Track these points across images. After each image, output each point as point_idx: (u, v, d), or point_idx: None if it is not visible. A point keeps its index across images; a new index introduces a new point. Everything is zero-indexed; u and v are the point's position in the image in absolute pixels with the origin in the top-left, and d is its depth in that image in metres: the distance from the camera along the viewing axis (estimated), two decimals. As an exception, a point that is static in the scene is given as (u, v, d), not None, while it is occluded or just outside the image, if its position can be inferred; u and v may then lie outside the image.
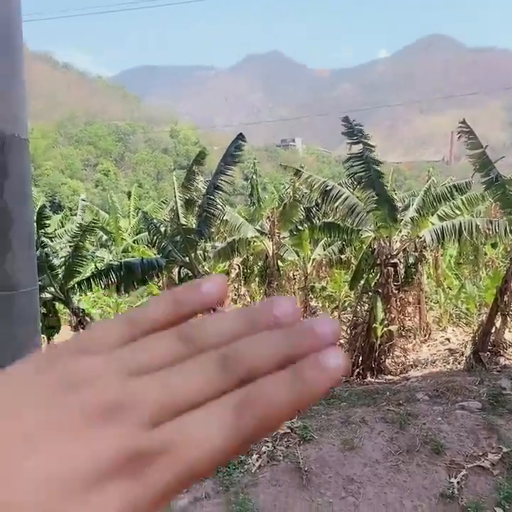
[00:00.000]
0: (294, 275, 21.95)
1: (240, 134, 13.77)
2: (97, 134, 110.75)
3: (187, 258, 13.87)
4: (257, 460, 6.88)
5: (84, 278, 14.07)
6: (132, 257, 18.25)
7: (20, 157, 7.36)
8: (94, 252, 22.00)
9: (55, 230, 22.05)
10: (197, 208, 14.07)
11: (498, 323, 13.17)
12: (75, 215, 18.94)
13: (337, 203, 13.86)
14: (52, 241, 14.36)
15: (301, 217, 16.14)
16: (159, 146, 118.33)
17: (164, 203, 24.38)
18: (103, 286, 13.83)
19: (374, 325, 13.97)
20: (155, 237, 14.13)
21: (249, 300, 21.43)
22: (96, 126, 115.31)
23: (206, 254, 17.47)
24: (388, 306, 14.17)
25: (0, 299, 6.89)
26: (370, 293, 14.69)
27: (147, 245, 20.32)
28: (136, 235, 24.35)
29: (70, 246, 14.28)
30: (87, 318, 14.44)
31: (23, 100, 7.42)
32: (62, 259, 14.27)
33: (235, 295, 21.15)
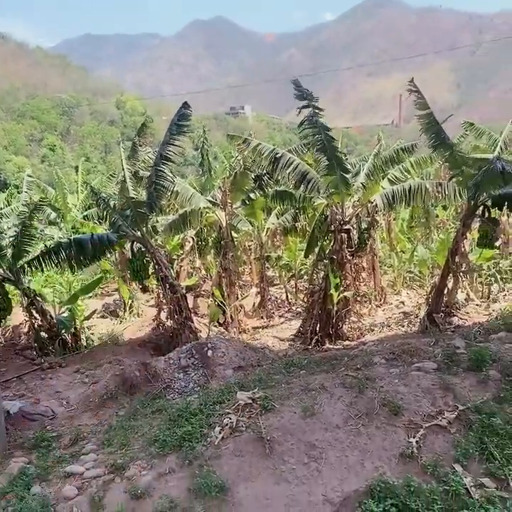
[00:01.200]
0: (248, 246, 21.88)
1: (185, 102, 13.43)
2: (40, 108, 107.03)
3: (139, 232, 13.61)
4: (220, 432, 6.86)
5: (33, 257, 13.68)
6: (82, 233, 17.81)
7: None
8: (42, 230, 21.40)
9: (1, 208, 21.39)
10: (146, 180, 13.74)
11: (450, 284, 13.42)
12: (21, 192, 18.35)
13: (288, 171, 13.74)
14: (-1, 220, 13.87)
15: (253, 186, 15.95)
16: (105, 118, 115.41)
17: (113, 176, 23.87)
18: (54, 265, 13.47)
19: (330, 292, 14.08)
20: (105, 212, 13.79)
21: (204, 273, 21.30)
22: (38, 99, 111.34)
23: (158, 227, 17.14)
24: (343, 273, 14.30)
25: None
26: (324, 260, 14.78)
27: (97, 221, 19.88)
28: (86, 210, 23.81)
29: (18, 225, 13.84)
30: (39, 299, 14.10)
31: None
32: (11, 238, 13.83)
33: (191, 269, 20.97)
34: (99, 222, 19.79)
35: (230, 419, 7.08)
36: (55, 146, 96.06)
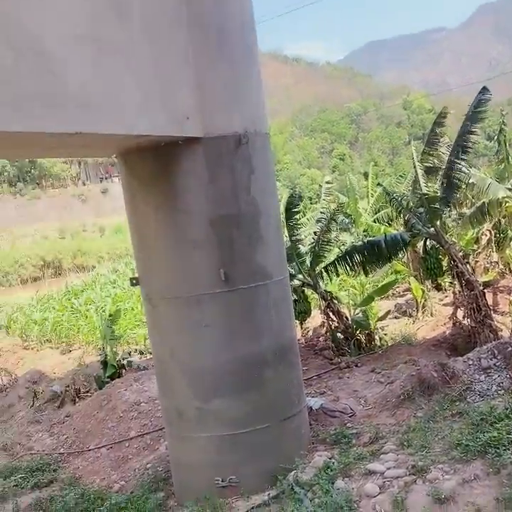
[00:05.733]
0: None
1: (484, 87, 12.63)
2: (330, 120, 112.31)
3: (432, 229, 13.21)
4: (533, 440, 6.29)
5: (330, 262, 14.38)
6: (374, 236, 18.07)
7: (264, 152, 7.79)
8: (336, 237, 22.33)
9: (299, 219, 22.92)
10: (439, 176, 13.31)
11: None
12: (316, 203, 19.32)
13: None
14: (298, 230, 14.92)
15: None
16: (392, 121, 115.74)
17: (402, 176, 23.76)
18: (349, 268, 13.94)
19: None
20: (397, 211, 13.76)
21: (502, 267, 19.70)
22: (328, 112, 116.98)
23: (449, 223, 16.40)
24: None
25: (256, 288, 7.39)
26: None
27: (388, 222, 19.96)
28: (375, 214, 24.15)
29: (316, 232, 14.70)
30: (335, 301, 14.74)
31: (262, 99, 7.82)
32: (309, 246, 14.75)
33: (488, 263, 19.64)
34: (389, 223, 19.85)
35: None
36: (344, 155, 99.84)
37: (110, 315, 15.81)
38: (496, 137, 20.61)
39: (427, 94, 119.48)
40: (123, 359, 14.97)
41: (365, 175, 32.35)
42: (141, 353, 17.47)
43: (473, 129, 12.50)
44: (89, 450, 10.48)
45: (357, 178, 35.00)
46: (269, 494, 6.96)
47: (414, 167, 13.49)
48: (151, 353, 11.35)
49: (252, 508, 6.83)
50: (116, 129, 6.04)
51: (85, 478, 9.50)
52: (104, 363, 14.42)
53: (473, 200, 16.08)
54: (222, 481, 7.27)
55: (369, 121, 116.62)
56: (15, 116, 4.99)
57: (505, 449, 6.28)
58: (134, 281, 7.82)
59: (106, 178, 70.48)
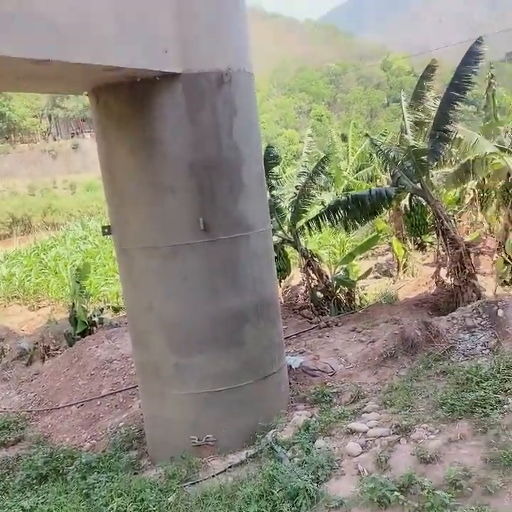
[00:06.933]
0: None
1: (480, 37, 12.13)
2: (309, 80, 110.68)
3: (419, 184, 12.87)
4: (519, 400, 6.13)
5: (312, 217, 14.01)
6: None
7: (248, 92, 7.09)
8: (314, 196, 22.01)
9: (278, 173, 22.48)
10: (426, 130, 12.91)
11: None
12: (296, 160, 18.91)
13: None
14: (277, 183, 14.48)
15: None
16: (371, 82, 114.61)
17: (384, 135, 23.35)
18: (331, 224, 13.62)
19: None
20: (384, 163, 13.42)
21: (487, 227, 19.60)
22: (307, 71, 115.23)
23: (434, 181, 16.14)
24: None
25: (237, 240, 6.98)
26: None
27: (369, 180, 19.69)
28: (356, 173, 23.84)
29: (297, 187, 14.31)
30: (315, 259, 14.45)
31: (245, 32, 7.16)
32: (290, 201, 14.37)
33: (469, 225, 19.53)
34: (371, 181, 19.56)
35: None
36: (322, 115, 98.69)
37: (78, 269, 15.23)
38: (484, 92, 20.30)
39: (407, 56, 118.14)
40: (94, 316, 14.55)
41: (343, 137, 32.03)
42: (116, 309, 17.07)
43: (461, 81, 12.04)
44: (59, 408, 10.12)
45: (335, 140, 34.61)
46: (246, 453, 6.76)
47: (403, 119, 13.11)
48: (124, 310, 10.93)
49: (230, 467, 6.62)
50: (88, 58, 5.43)
51: (54, 436, 9.16)
52: (74, 320, 13.99)
53: (458, 158, 15.75)
54: (198, 440, 7.02)
55: (348, 82, 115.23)
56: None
57: (492, 409, 6.15)
58: (106, 230, 7.33)
59: (77, 134, 68.56)
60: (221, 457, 6.93)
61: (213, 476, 6.46)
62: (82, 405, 9.95)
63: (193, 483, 6.42)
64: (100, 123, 7.02)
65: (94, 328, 14.17)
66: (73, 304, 14.38)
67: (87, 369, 10.92)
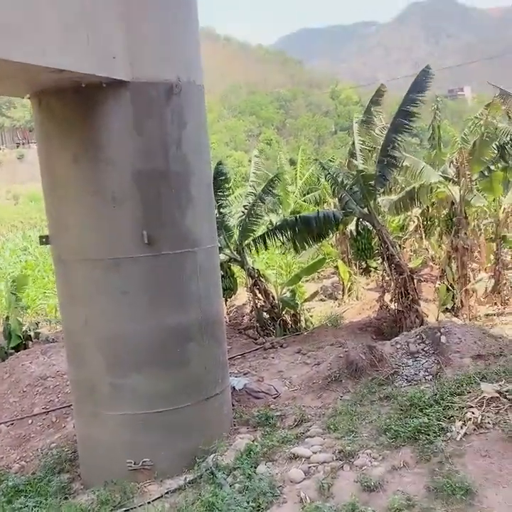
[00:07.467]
0: (477, 224, 19.99)
1: (427, 65, 12.42)
2: (259, 104, 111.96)
3: (366, 209, 13.00)
4: (462, 427, 6.09)
5: (259, 235, 13.93)
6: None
7: (198, 105, 6.86)
8: (262, 216, 22.03)
9: (227, 190, 22.45)
10: (374, 156, 13.09)
11: None
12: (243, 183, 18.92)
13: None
14: (226, 200, 14.37)
15: (493, 156, 14.29)
16: (320, 110, 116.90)
17: (331, 161, 23.66)
18: (279, 244, 13.58)
19: None
20: (332, 187, 13.49)
21: (432, 253, 20.02)
22: (258, 95, 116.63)
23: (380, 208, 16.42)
24: None
25: (183, 255, 6.72)
26: None
27: (317, 204, 19.80)
28: (304, 196, 24.00)
29: (246, 206, 14.24)
30: (262, 279, 14.34)
31: (196, 45, 6.99)
32: (238, 219, 14.27)
33: (411, 252, 19.91)
34: (318, 204, 19.68)
35: (473, 413, 6.26)
36: (271, 140, 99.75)
37: (13, 281, 14.56)
38: (429, 124, 20.87)
39: (356, 86, 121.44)
40: (30, 330, 13.91)
41: (292, 161, 32.44)
42: (54, 323, 16.41)
43: (411, 106, 12.26)
44: (-13, 426, 9.54)
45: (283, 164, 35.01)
46: (185, 478, 6.48)
47: (353, 144, 13.25)
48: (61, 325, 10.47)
49: (167, 492, 6.34)
50: (31, 58, 5.14)
51: (-20, 457, 8.59)
52: (9, 333, 13.34)
53: (404, 186, 16.08)
54: (134, 464, 6.68)
55: (297, 108, 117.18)
56: None
57: (435, 436, 6.08)
58: (44, 240, 6.97)
59: (23, 144, 66.83)
60: (158, 482, 6.62)
61: (149, 502, 6.16)
62: (12, 424, 9.44)
63: (127, 510, 6.10)
64: (43, 125, 6.70)
65: (30, 342, 13.57)
66: (7, 316, 13.74)
67: (20, 386, 10.37)
